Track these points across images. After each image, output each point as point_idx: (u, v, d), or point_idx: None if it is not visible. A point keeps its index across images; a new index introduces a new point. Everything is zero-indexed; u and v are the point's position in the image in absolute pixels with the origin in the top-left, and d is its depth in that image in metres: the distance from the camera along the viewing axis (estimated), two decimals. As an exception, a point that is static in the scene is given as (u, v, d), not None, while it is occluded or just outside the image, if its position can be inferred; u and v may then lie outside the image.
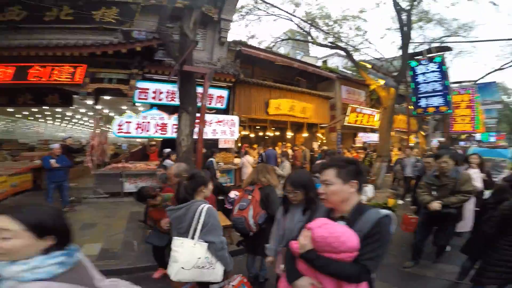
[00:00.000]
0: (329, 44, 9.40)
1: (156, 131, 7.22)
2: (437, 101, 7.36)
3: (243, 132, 10.02)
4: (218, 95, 8.04)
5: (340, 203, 1.30)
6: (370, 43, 9.23)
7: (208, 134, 7.60)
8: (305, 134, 10.97)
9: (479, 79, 11.69)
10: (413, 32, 9.35)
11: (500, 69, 11.67)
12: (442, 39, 11.80)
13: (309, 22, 9.39)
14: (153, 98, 7.31)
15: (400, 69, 7.99)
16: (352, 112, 11.22)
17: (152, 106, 7.38)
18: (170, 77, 5.26)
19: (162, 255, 3.09)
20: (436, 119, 12.22)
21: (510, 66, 11.64)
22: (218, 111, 8.18)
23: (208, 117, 7.33)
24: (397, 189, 6.64)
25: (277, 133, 12.01)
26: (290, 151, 9.65)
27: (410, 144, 17.14)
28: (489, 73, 11.94)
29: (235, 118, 8.33)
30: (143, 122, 7.10)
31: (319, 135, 11.12)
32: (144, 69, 6.83)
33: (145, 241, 3.34)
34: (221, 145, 8.18)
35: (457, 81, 12.17)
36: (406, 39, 7.57)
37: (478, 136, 34.19)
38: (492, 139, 37.60)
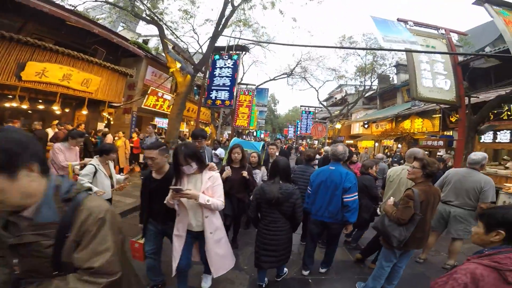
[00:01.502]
0: (146, 17, 8.19)
1: None
2: (224, 95, 8.34)
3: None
4: None
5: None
6: (195, 32, 8.91)
7: None
8: (85, 112, 8.59)
9: (259, 85, 15.17)
10: (228, 30, 10.01)
11: (273, 79, 16.38)
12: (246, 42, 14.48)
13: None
14: None
15: (202, 59, 8.13)
16: (152, 95, 10.34)
17: None
18: None
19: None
20: (226, 113, 14.49)
21: (280, 78, 16.90)
22: None
23: None
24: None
25: (41, 107, 8.46)
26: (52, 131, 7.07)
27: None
28: (265, 82, 15.92)
29: None
30: None
31: (105, 114, 9.11)
32: None
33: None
34: None
35: (245, 83, 15.07)
36: (217, 31, 7.74)
37: (254, 133, 46.27)
38: (263, 135, 53.05)
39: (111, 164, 3.31)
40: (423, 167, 2.42)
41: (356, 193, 2.83)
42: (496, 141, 7.95)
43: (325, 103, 25.75)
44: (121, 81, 9.36)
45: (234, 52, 9.02)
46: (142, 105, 10.01)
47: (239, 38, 10.01)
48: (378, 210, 3.72)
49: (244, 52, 10.03)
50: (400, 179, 3.19)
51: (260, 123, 37.30)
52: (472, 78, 6.64)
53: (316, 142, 29.27)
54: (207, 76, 9.18)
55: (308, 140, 32.42)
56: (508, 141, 7.58)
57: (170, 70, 7.90)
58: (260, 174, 4.04)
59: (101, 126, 9.34)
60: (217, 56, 9.17)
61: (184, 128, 14.03)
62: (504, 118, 7.90)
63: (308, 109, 21.77)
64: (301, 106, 22.39)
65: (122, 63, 10.15)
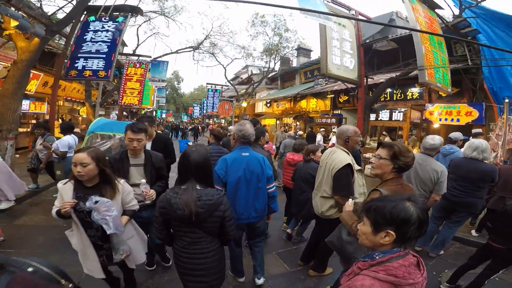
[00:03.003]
0: None
1: None
2: (97, 64, 5.93)
3: None
4: None
5: None
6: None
7: None
8: None
9: (157, 57, 12.48)
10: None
11: (176, 52, 13.85)
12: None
13: None
14: None
15: (63, 18, 5.48)
16: None
17: None
18: None
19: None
20: (107, 89, 11.31)
21: (185, 51, 14.61)
22: None
23: None
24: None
25: None
26: None
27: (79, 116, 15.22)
28: (166, 54, 13.34)
29: None
30: None
31: None
32: None
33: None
34: None
35: (137, 54, 12.09)
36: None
37: (154, 113, 41.19)
38: (164, 115, 48.05)
39: None
40: (394, 157, 1.73)
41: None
42: (379, 119, 9.34)
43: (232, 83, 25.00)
44: None
45: (120, 14, 6.62)
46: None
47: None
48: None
49: (134, 15, 7.52)
50: (326, 164, 2.46)
51: (160, 102, 33.13)
52: (370, 61, 7.21)
53: (223, 121, 28.77)
54: (71, 42, 6.37)
55: (215, 119, 31.46)
56: (388, 119, 9.00)
57: (4, 32, 4.97)
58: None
59: None
60: (92, 17, 6.52)
61: (44, 110, 10.12)
62: (394, 98, 9.28)
63: (215, 87, 20.53)
64: (207, 83, 20.86)
65: None
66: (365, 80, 6.18)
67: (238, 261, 2.67)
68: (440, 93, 6.04)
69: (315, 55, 18.19)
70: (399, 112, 8.53)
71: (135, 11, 6.71)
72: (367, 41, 7.19)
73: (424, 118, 8.59)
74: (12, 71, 4.73)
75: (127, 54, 10.87)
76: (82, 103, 13.36)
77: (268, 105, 18.09)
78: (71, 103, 15.25)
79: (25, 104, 9.15)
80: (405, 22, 14.99)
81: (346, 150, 2.39)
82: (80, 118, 15.07)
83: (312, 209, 2.73)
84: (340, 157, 2.32)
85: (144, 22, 13.35)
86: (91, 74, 5.96)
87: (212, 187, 1.73)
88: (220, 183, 2.26)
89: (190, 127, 17.63)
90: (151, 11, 12.67)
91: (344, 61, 5.70)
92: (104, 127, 3.74)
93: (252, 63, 21.37)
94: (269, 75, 19.56)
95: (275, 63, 18.09)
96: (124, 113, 23.90)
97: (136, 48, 13.13)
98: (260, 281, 2.63)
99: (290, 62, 20.49)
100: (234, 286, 2.70)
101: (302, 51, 17.95)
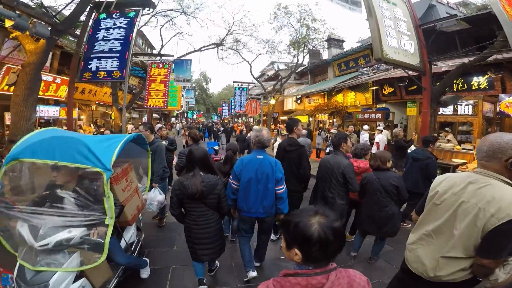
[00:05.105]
0: None
1: None
2: (111, 64, 5.46)
3: None
4: None
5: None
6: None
7: None
8: None
9: (180, 56, 12.09)
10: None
11: (199, 50, 13.36)
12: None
13: None
14: None
15: (69, 15, 5.00)
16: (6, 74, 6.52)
17: None
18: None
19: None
20: (134, 91, 11.14)
21: (208, 48, 13.99)
22: None
23: None
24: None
25: None
26: None
27: (112, 120, 15.49)
28: (189, 53, 12.92)
29: None
30: None
31: None
32: None
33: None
34: None
35: (159, 53, 11.80)
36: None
37: (186, 114, 42.07)
38: (195, 116, 49.06)
39: None
40: None
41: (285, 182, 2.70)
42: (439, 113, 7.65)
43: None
44: None
45: (131, 9, 6.16)
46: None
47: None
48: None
49: (147, 9, 7.00)
50: (467, 205, 1.37)
51: (190, 103, 33.57)
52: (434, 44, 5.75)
53: (251, 119, 28.06)
54: (84, 41, 6.00)
55: (243, 118, 30.92)
56: (451, 113, 7.38)
57: (11, 34, 4.69)
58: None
59: None
60: (102, 15, 6.16)
61: (75, 115, 10.23)
62: (455, 89, 7.61)
63: (242, 85, 19.89)
64: (233, 82, 20.25)
65: None
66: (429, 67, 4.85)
67: (247, 253, 2.78)
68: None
69: (347, 45, 16.51)
70: (466, 104, 6.89)
71: (147, 3, 6.13)
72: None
73: (499, 111, 6.87)
74: (21, 76, 4.36)
75: (149, 54, 10.60)
76: (108, 105, 13.54)
77: (299, 101, 16.89)
78: (105, 108, 15.71)
79: (55, 111, 9.26)
80: (446, 7, 12.84)
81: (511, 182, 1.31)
82: (113, 122, 15.45)
83: (399, 224, 3.00)
84: (507, 198, 1.26)
85: (166, 22, 13.07)
86: (105, 75, 5.52)
87: (212, 173, 2.41)
88: (236, 179, 2.67)
89: (222, 128, 16.89)
90: (170, 9, 12.33)
91: (402, 43, 4.44)
92: (38, 150, 1.89)
93: (278, 58, 20.26)
94: (298, 70, 18.30)
95: (303, 57, 16.77)
96: (156, 115, 24.51)
97: (161, 49, 12.87)
98: (253, 273, 2.75)
99: (320, 55, 19.00)
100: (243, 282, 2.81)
101: (334, 42, 16.34)
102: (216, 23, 45.69)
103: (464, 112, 6.95)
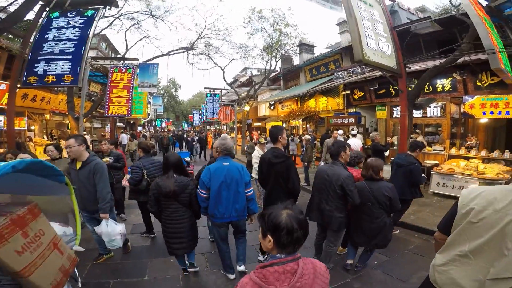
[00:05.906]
0: None
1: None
2: (61, 67, 4.71)
3: None
4: None
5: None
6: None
7: None
8: None
9: (146, 61, 11.26)
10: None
11: (167, 54, 12.63)
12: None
13: None
14: None
15: (11, 14, 4.39)
16: None
17: None
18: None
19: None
20: (93, 99, 10.08)
21: (177, 53, 13.31)
22: None
23: None
24: None
25: None
26: None
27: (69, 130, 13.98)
28: (156, 57, 12.09)
29: None
30: None
31: None
32: None
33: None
34: None
35: (123, 57, 10.88)
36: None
37: (154, 122, 39.90)
38: (164, 124, 46.85)
39: None
40: None
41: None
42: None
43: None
44: None
45: (89, 7, 5.44)
46: None
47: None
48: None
49: (108, 8, 6.27)
50: (510, 222, 1.14)
51: (158, 111, 31.98)
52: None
53: (224, 127, 27.48)
54: (30, 42, 5.19)
55: (216, 125, 30.20)
56: (421, 115, 7.65)
57: None
58: None
59: None
60: (55, 14, 5.36)
61: (23, 126, 8.95)
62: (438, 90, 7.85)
63: (214, 91, 19.35)
64: (205, 88, 19.65)
65: None
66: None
67: (226, 257, 2.95)
68: (505, 81, 4.76)
69: (317, 51, 16.91)
70: (435, 106, 7.20)
71: (108, 2, 5.49)
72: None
73: (463, 112, 7.29)
74: None
75: (111, 58, 9.69)
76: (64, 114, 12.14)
77: (272, 107, 16.82)
78: (61, 117, 14.09)
79: (-1, 121, 7.96)
80: (407, 13, 13.69)
81: None
82: (70, 132, 13.87)
83: (390, 235, 2.92)
84: None
85: (133, 25, 12.22)
86: (54, 79, 4.74)
87: (184, 175, 2.85)
88: (205, 188, 2.74)
89: (196, 137, 15.63)
90: (137, 12, 11.56)
91: (380, 45, 4.41)
92: None
93: (252, 64, 20.09)
94: (271, 76, 18.30)
95: (276, 62, 16.83)
96: (121, 124, 22.70)
97: (125, 53, 11.96)
98: (241, 267, 3.00)
99: (292, 60, 19.26)
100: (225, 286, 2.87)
101: (305, 47, 16.64)
102: (187, 27, 44.46)
103: (434, 114, 7.26)
